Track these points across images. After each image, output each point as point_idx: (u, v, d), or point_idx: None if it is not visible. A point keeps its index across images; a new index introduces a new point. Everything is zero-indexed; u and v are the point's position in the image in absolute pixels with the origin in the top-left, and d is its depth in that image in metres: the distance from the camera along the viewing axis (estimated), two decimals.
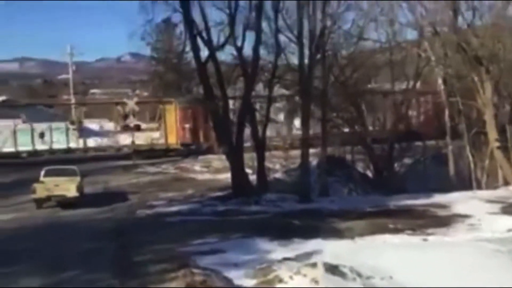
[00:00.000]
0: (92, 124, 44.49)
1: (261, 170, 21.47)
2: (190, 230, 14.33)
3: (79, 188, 20.22)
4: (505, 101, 23.93)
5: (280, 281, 9.26)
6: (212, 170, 34.21)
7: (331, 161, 28.29)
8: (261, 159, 21.42)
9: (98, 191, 25.21)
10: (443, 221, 15.43)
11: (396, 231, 14.14)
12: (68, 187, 19.84)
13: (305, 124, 20.38)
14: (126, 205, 20.89)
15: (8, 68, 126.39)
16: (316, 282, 8.81)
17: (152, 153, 36.68)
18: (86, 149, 37.53)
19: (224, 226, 14.84)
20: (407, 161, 33.31)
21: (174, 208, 18.65)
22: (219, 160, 37.81)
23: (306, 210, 17.44)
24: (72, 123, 38.80)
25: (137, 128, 38.28)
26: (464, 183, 24.42)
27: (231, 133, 20.70)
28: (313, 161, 32.71)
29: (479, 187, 23.28)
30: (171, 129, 40.33)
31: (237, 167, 20.33)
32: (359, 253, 11.51)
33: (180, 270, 9.72)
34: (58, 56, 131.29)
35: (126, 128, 37.80)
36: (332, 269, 9.69)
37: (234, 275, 10.04)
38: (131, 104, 37.37)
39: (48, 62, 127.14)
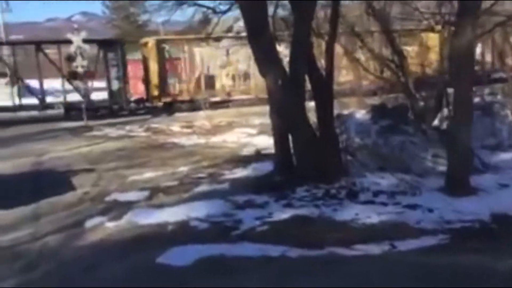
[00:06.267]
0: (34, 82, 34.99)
1: (331, 134, 10.96)
2: None
3: None
4: None
5: None
6: (199, 132, 23.90)
7: (389, 113, 18.73)
8: (328, 116, 10.96)
9: (22, 170, 14.63)
10: None
11: None
12: None
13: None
14: (66, 203, 10.56)
15: None
16: None
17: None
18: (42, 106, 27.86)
19: None
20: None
21: (170, 215, 8.25)
22: (202, 117, 27.95)
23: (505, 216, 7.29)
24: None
25: (90, 75, 27.08)
26: None
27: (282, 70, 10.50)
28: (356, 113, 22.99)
29: None
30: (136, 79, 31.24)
31: (297, 122, 9.68)
32: None
33: None
34: None
35: (73, 75, 26.44)
36: None
37: None
38: (77, 40, 25.72)
39: None
